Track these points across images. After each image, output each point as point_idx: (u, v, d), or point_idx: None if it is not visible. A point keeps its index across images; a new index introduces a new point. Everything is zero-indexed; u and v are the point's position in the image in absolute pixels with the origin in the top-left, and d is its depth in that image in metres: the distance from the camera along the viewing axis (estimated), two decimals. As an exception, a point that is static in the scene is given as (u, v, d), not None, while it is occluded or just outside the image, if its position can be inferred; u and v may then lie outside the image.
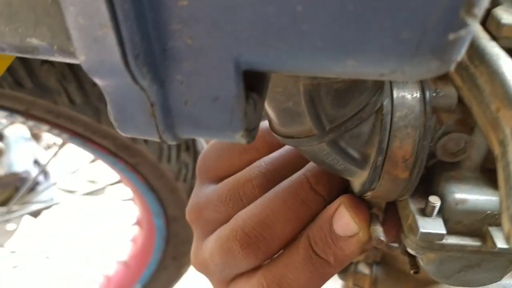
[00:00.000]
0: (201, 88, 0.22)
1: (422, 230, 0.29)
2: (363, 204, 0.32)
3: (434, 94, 0.29)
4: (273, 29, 0.19)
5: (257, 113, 0.24)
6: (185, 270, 1.15)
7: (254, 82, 0.24)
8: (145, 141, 0.73)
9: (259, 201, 0.34)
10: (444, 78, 0.29)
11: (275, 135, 0.31)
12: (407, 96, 0.28)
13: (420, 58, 0.18)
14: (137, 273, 1.14)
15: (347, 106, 0.28)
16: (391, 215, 0.34)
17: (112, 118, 0.24)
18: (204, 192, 0.38)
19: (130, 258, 1.13)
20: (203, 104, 0.22)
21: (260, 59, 0.20)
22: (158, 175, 0.81)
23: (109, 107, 0.24)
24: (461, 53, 0.18)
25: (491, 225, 0.30)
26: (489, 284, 0.33)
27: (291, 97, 0.28)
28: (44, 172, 0.98)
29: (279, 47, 0.20)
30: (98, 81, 0.23)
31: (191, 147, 0.79)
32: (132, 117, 0.24)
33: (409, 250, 0.31)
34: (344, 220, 0.32)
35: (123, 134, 0.25)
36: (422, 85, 0.29)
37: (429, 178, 0.32)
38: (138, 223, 1.03)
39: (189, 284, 1.27)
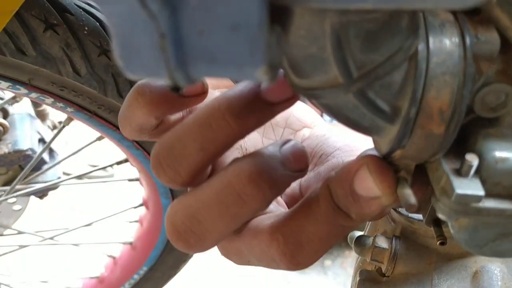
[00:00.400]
0: (219, 14, 0.19)
1: (458, 191, 0.26)
2: (388, 167, 0.30)
3: (475, 40, 0.26)
4: None
5: (280, 50, 0.21)
6: (193, 253, 1.13)
7: (277, 17, 0.22)
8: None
9: (191, 191, 0.31)
10: (486, 22, 0.27)
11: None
12: (445, 40, 0.25)
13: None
14: (144, 255, 1.12)
15: (378, 50, 0.25)
16: (418, 180, 0.31)
17: (117, 55, 0.22)
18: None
19: (137, 239, 1.11)
20: (221, 33, 0.20)
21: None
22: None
23: (114, 43, 0.22)
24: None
25: (533, 187, 0.27)
26: (525, 254, 0.31)
27: (316, 40, 0.25)
28: (50, 151, 0.96)
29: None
30: (103, 7, 0.20)
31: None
32: (139, 52, 0.22)
33: (441, 216, 0.29)
34: (366, 183, 0.29)
35: (129, 75, 0.23)
36: (462, 29, 0.26)
37: (464, 137, 0.29)
38: (144, 203, 1.01)
39: (197, 269, 1.25)
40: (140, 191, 1.00)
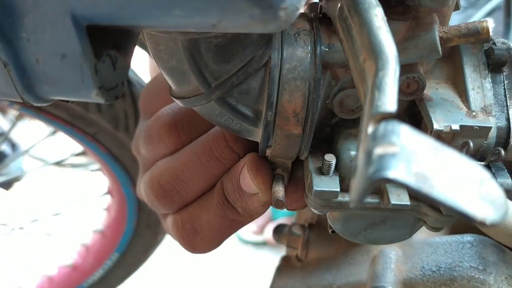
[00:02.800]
0: (47, 45, 0.21)
1: (315, 188, 0.28)
2: (265, 165, 0.32)
3: (327, 49, 0.28)
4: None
5: (118, 71, 0.23)
6: (161, 238, 1.16)
7: (118, 39, 0.24)
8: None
9: (176, 155, 0.35)
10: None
11: (172, 97, 0.31)
12: (297, 49, 0.27)
13: (239, 5, 0.17)
14: (114, 241, 1.15)
15: (231, 61, 0.27)
16: (300, 178, 0.33)
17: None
18: (142, 128, 0.39)
19: (106, 227, 1.13)
20: (53, 62, 0.22)
21: (94, 12, 0.20)
22: (118, 144, 0.80)
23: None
24: (286, 1, 0.17)
25: (388, 181, 0.29)
26: (399, 241, 0.33)
27: (174, 55, 0.27)
28: (11, 144, 0.98)
29: (105, 3, 0.19)
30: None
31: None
32: (-8, 79, 0.24)
33: (312, 210, 0.31)
34: (246, 180, 0.32)
35: (-11, 96, 0.25)
36: (314, 39, 0.28)
37: (333, 137, 0.31)
38: (109, 192, 1.04)
39: (168, 253, 1.28)
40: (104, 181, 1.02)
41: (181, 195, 0.34)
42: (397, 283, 0.37)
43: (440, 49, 0.26)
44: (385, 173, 0.16)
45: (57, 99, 0.24)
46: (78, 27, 0.20)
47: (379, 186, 0.30)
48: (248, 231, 1.79)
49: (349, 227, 0.32)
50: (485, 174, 0.17)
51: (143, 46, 0.67)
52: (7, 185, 1.02)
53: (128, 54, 0.24)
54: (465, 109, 0.28)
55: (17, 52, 0.22)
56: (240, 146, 0.33)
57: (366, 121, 0.19)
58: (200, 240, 0.35)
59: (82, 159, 1.37)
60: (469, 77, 0.28)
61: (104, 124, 0.74)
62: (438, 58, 0.29)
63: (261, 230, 1.79)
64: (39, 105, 0.24)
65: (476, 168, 0.17)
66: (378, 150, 0.17)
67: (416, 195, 0.19)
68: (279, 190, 0.31)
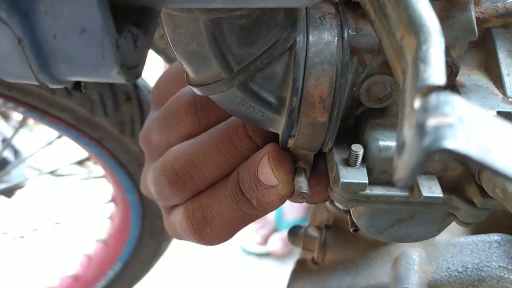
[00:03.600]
0: (67, 19, 0.20)
1: (343, 180, 0.27)
2: (287, 157, 0.31)
3: (355, 33, 0.27)
4: None
5: (140, 50, 0.22)
6: (165, 248, 1.14)
7: (139, 17, 0.22)
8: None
9: (193, 140, 0.33)
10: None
11: (190, 87, 0.29)
12: (323, 32, 0.26)
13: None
14: (117, 251, 1.13)
15: (255, 44, 0.26)
16: (322, 171, 0.32)
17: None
18: (153, 117, 0.38)
19: (109, 236, 1.11)
20: (72, 37, 0.20)
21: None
22: (124, 149, 0.79)
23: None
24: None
25: (418, 173, 0.28)
26: (427, 238, 0.32)
27: (194, 37, 0.25)
28: (14, 151, 0.96)
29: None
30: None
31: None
32: (5, 58, 0.22)
33: (337, 204, 0.30)
34: (265, 170, 0.30)
35: (4, 79, 0.23)
36: (341, 21, 0.26)
37: (358, 128, 0.30)
38: (113, 200, 1.02)
39: (170, 263, 1.26)
40: (108, 188, 1.01)
41: (195, 181, 0.33)
42: (422, 285, 0.36)
43: (476, 30, 0.24)
44: (444, 143, 0.14)
45: (74, 79, 0.23)
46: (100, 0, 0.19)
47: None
48: (251, 242, 1.77)
49: (375, 223, 0.31)
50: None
51: (151, 46, 0.66)
52: (9, 193, 1.00)
53: (149, 33, 0.23)
54: (500, 95, 0.26)
55: (33, 27, 0.20)
56: (259, 136, 0.32)
57: (409, 96, 0.18)
58: (210, 230, 0.33)
59: (85, 167, 1.35)
60: (503, 63, 0.27)
61: (110, 128, 0.72)
62: (469, 44, 0.28)
63: (264, 241, 1.77)
64: (55, 86, 0.23)
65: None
66: (432, 121, 0.15)
67: (477, 166, 0.18)
68: (303, 182, 0.29)
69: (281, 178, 0.30)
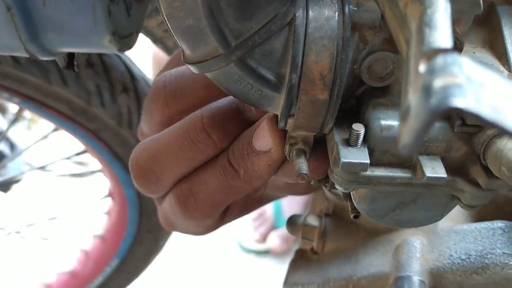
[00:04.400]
0: (56, -16, 0.19)
1: (343, 160, 0.26)
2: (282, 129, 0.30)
3: (356, 9, 0.26)
4: None
5: (133, 18, 0.21)
6: (163, 244, 1.13)
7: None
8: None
9: (156, 136, 0.34)
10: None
11: (186, 65, 0.28)
12: (324, 7, 0.25)
13: None
14: (114, 247, 1.12)
15: (253, 18, 0.25)
16: (321, 149, 0.31)
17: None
18: None
19: (106, 231, 1.11)
20: (62, 2, 0.19)
21: None
22: (121, 142, 0.78)
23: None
24: None
25: (421, 154, 0.27)
26: (430, 223, 0.31)
27: (191, 11, 0.25)
28: (10, 144, 0.96)
29: None
30: None
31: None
32: (-5, 28, 0.21)
33: (337, 187, 0.29)
34: (262, 133, 0.31)
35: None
36: (341, -2, 0.26)
37: (359, 108, 0.29)
38: (110, 195, 1.01)
39: (168, 260, 1.25)
40: (105, 183, 1.00)
41: (157, 176, 0.34)
42: (424, 273, 0.35)
43: (481, 2, 0.24)
44: (453, 101, 0.13)
45: (65, 50, 0.22)
46: (90, -40, 0.18)
47: (411, 158, 0.27)
48: (250, 239, 1.76)
49: (376, 207, 0.30)
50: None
51: (149, 35, 0.65)
52: (5, 187, 1.00)
53: (143, 1, 0.22)
54: (506, 72, 0.26)
55: (22, -7, 0.20)
56: (217, 131, 0.32)
57: (414, 62, 0.17)
58: (194, 201, 0.34)
59: (82, 163, 1.34)
60: (509, 39, 0.26)
61: (107, 120, 0.71)
62: (473, 21, 0.27)
63: (263, 239, 1.76)
64: (45, 58, 0.22)
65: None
66: (439, 82, 0.14)
67: (488, 126, 0.17)
68: (303, 163, 0.28)
69: (276, 141, 0.30)
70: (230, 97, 0.33)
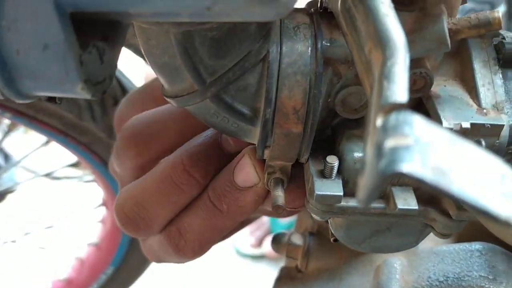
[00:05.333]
0: (29, 35, 0.20)
1: (317, 192, 0.27)
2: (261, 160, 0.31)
3: (329, 44, 0.27)
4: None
5: (106, 64, 0.22)
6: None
7: (106, 30, 0.22)
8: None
9: (138, 182, 0.34)
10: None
11: (164, 97, 0.29)
12: (297, 42, 0.26)
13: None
14: (109, 255, 1.12)
15: (227, 56, 0.25)
16: (301, 176, 0.32)
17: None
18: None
19: (101, 239, 1.11)
20: (35, 53, 0.20)
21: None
22: (113, 154, 0.78)
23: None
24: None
25: (394, 185, 0.28)
26: (405, 249, 0.32)
27: (166, 50, 0.25)
28: (4, 155, 0.96)
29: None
30: None
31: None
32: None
33: (314, 216, 0.29)
34: (245, 169, 0.31)
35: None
36: (315, 32, 0.26)
37: (334, 138, 0.30)
38: (104, 204, 1.01)
39: (163, 267, 1.26)
40: (99, 192, 1.00)
41: (146, 222, 0.34)
42: (403, 294, 0.36)
43: (449, 41, 0.24)
44: (399, 166, 0.14)
45: (41, 95, 0.23)
46: (61, 14, 0.19)
47: (384, 189, 0.28)
48: (246, 244, 1.77)
49: (352, 234, 0.30)
50: (507, 170, 0.16)
51: (137, 52, 0.65)
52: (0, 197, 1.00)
53: (116, 47, 0.22)
54: (475, 106, 0.26)
55: (-3, 42, 0.20)
56: (198, 170, 0.32)
57: (374, 113, 0.18)
58: (184, 243, 0.34)
59: (76, 171, 1.35)
60: (478, 73, 0.27)
61: (98, 133, 0.72)
62: (445, 54, 0.28)
63: (259, 243, 1.77)
64: (21, 101, 0.22)
65: (496, 163, 0.16)
66: (390, 142, 0.15)
67: (433, 191, 0.18)
68: (279, 195, 0.29)
69: (262, 175, 0.30)
70: (206, 133, 0.33)
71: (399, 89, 0.17)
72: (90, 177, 0.97)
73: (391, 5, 0.21)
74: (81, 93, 0.21)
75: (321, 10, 0.29)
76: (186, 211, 0.33)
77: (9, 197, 1.03)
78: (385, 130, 0.16)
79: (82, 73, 0.20)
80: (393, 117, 0.16)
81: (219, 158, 0.32)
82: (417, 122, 0.16)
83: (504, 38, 0.28)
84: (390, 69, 0.18)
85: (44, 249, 1.18)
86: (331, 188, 0.27)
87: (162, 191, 0.32)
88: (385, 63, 0.19)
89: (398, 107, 0.17)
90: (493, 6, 0.90)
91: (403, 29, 0.25)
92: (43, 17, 0.19)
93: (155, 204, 0.33)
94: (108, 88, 0.22)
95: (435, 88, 0.27)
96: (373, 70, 0.20)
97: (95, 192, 1.03)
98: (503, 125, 0.25)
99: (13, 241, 1.08)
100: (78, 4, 0.18)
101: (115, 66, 0.22)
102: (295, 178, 0.31)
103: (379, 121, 0.17)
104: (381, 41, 0.19)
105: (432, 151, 0.15)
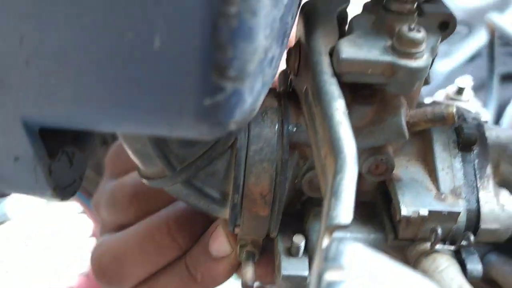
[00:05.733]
0: (1, 148, 0.21)
1: (283, 272, 0.28)
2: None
3: (295, 129, 0.28)
4: (47, 93, 0.18)
5: (76, 166, 0.23)
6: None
7: (77, 136, 0.23)
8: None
9: (120, 235, 0.34)
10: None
11: (140, 177, 0.30)
12: (264, 128, 0.27)
13: (187, 122, 0.17)
14: (99, 285, 1.12)
15: (196, 145, 0.26)
16: (272, 255, 0.33)
17: None
18: (105, 188, 0.38)
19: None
20: (6, 164, 0.21)
21: (44, 118, 0.19)
22: (102, 190, 0.79)
23: None
24: (236, 115, 0.17)
25: None
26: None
27: (138, 139, 0.26)
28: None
29: (56, 109, 0.19)
30: None
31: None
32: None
33: (283, 289, 0.30)
34: (219, 239, 0.31)
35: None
36: (282, 118, 0.27)
37: (304, 214, 0.31)
38: (94, 235, 1.02)
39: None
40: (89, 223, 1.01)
41: (119, 277, 0.34)
42: None
43: (406, 133, 0.25)
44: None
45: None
46: (30, 132, 0.20)
47: None
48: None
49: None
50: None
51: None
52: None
53: (87, 149, 0.24)
54: (434, 190, 0.27)
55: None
56: (182, 235, 0.32)
57: (322, 231, 0.19)
58: None
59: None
60: (438, 157, 0.28)
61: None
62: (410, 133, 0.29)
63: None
64: (-5, 199, 0.24)
65: None
66: (328, 276, 0.16)
67: None
68: (248, 272, 0.30)
69: (235, 246, 0.31)
70: None
71: (344, 209, 0.18)
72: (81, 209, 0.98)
73: (346, 111, 0.22)
74: (51, 198, 0.22)
75: (290, 90, 0.31)
76: (161, 273, 0.34)
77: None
78: (326, 260, 0.17)
79: (51, 181, 0.21)
80: (334, 246, 0.17)
81: (203, 224, 0.33)
82: (354, 253, 0.17)
83: (465, 119, 0.29)
84: (338, 186, 0.19)
85: (35, 278, 1.18)
86: (297, 267, 0.28)
87: (142, 250, 0.33)
88: (335, 177, 0.20)
89: (341, 228, 0.18)
90: (470, 29, 0.92)
91: (363, 121, 0.26)
92: (13, 134, 0.20)
93: (133, 261, 0.33)
94: (78, 189, 0.23)
95: (398, 169, 0.28)
96: (327, 175, 0.21)
97: (86, 223, 1.04)
98: (459, 212, 0.26)
99: (7, 272, 1.08)
100: (45, 123, 0.20)
101: (85, 166, 0.24)
102: (266, 252, 0.32)
103: (324, 243, 0.18)
104: (334, 150, 0.21)
105: (365, 284, 0.16)
